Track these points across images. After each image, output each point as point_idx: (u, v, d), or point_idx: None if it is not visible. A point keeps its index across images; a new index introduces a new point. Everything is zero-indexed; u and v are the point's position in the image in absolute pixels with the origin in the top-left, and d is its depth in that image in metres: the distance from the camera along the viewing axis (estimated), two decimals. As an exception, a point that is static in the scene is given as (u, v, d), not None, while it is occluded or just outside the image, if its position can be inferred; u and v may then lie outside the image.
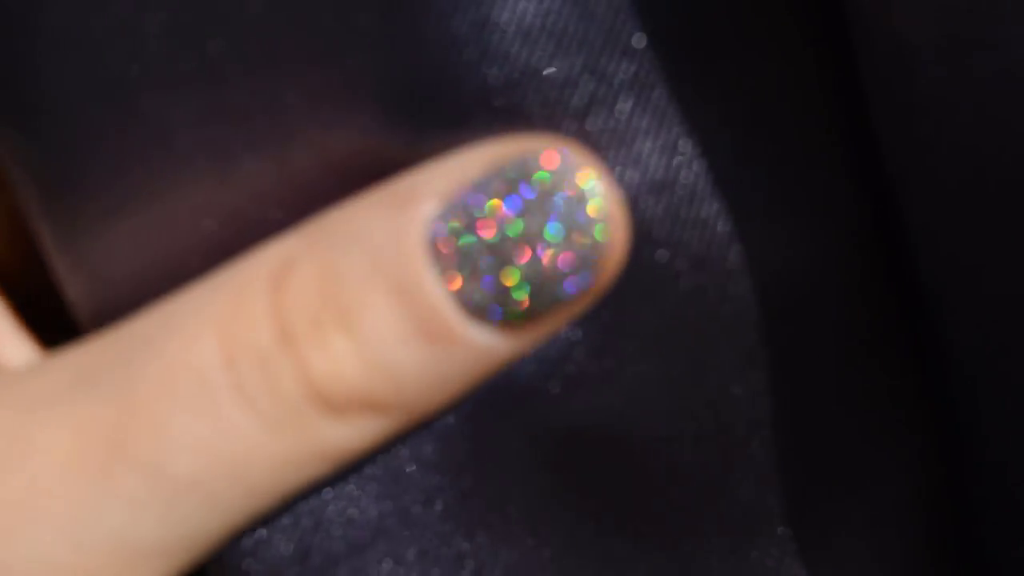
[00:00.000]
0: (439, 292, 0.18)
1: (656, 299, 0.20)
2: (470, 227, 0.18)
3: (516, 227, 0.18)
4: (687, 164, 0.20)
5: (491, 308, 0.18)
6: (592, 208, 0.18)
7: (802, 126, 0.21)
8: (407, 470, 0.21)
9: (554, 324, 0.19)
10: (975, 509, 0.23)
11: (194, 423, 0.19)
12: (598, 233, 0.18)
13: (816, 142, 0.21)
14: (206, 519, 0.19)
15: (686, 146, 0.20)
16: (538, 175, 0.18)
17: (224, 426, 0.19)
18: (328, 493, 0.21)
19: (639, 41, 0.19)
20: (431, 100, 0.19)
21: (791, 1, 0.21)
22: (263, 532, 0.21)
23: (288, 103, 0.20)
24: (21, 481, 0.19)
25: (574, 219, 0.18)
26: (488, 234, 0.18)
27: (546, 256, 0.18)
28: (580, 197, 0.18)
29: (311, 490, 0.21)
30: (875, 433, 0.22)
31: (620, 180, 0.19)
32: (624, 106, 0.19)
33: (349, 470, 0.21)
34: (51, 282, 0.23)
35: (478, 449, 0.21)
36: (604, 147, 0.19)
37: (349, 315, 0.18)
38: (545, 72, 0.19)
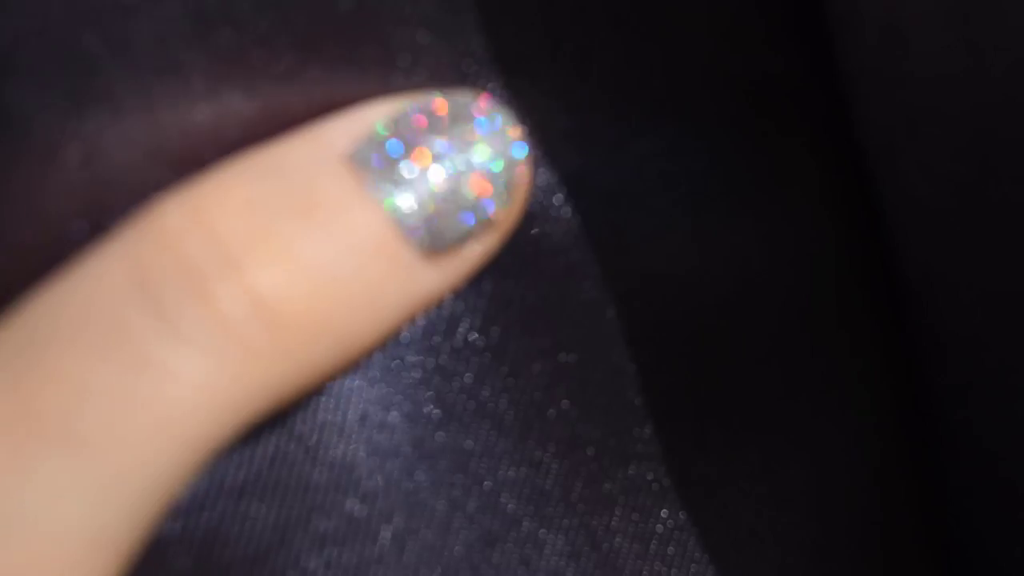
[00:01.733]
0: (374, 208, 0.18)
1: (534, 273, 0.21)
2: (394, 150, 0.19)
3: (440, 150, 0.19)
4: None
5: (417, 227, 0.19)
6: (510, 134, 0.19)
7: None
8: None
9: (475, 257, 0.19)
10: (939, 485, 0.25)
11: (116, 371, 0.16)
12: (512, 159, 0.19)
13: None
14: (142, 488, 0.16)
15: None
16: (455, 108, 0.19)
17: (151, 366, 0.16)
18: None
19: None
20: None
21: None
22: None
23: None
24: None
25: (492, 146, 0.19)
26: (412, 156, 0.19)
27: (468, 178, 0.19)
28: (496, 127, 0.19)
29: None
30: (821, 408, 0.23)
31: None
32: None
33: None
34: None
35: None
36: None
37: (286, 233, 0.18)
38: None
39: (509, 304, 0.22)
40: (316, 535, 0.21)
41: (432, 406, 0.22)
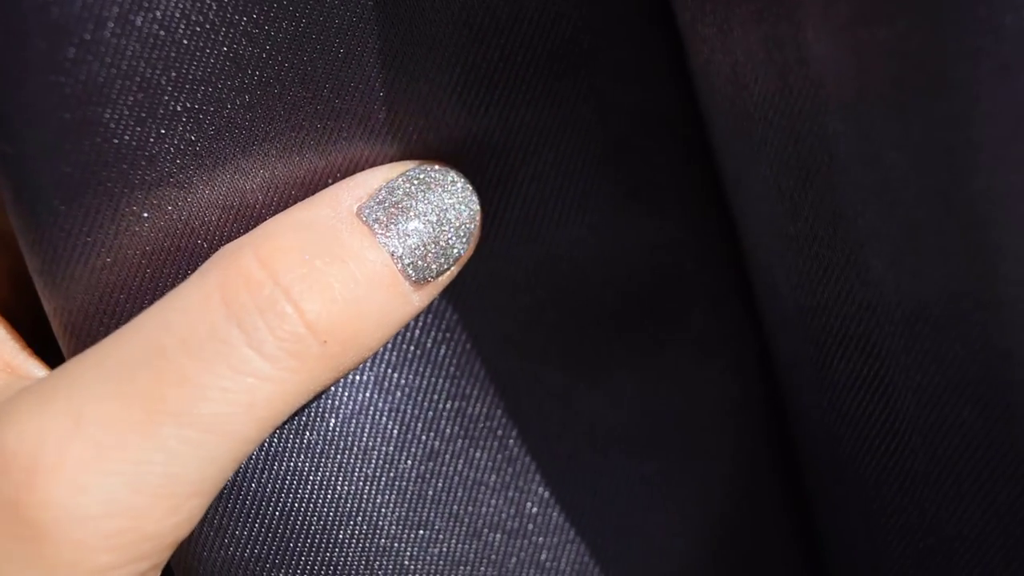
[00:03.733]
0: (383, 253, 0.25)
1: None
2: (394, 210, 0.26)
3: (427, 206, 0.26)
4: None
5: (410, 266, 0.26)
6: (470, 193, 0.27)
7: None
8: None
9: (444, 283, 0.27)
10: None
11: (216, 373, 0.23)
12: (472, 211, 0.27)
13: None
14: (227, 452, 0.23)
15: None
16: (431, 175, 0.26)
17: (240, 370, 0.23)
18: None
19: None
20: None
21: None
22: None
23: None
24: (87, 446, 0.22)
25: (459, 202, 0.26)
26: (406, 213, 0.26)
27: (447, 229, 0.26)
28: (459, 187, 0.26)
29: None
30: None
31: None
32: None
33: None
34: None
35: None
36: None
37: (326, 270, 0.24)
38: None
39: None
40: (303, 445, 0.27)
41: (390, 350, 0.28)
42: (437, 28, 0.26)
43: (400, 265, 0.25)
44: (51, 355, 0.27)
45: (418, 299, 0.26)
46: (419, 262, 0.25)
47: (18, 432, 0.23)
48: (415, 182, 0.26)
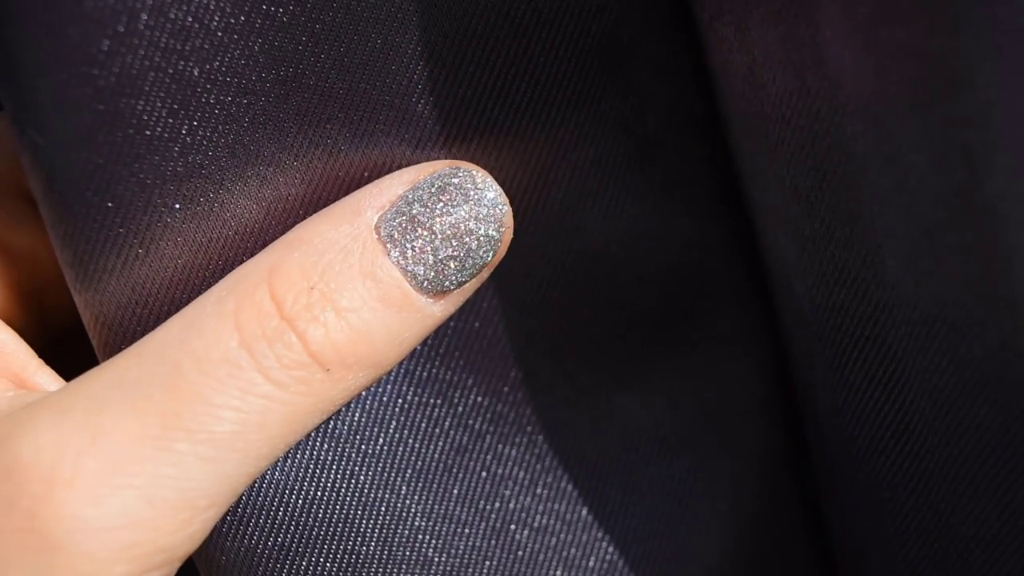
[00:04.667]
0: (395, 271, 0.25)
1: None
2: (410, 224, 0.25)
3: (445, 219, 0.25)
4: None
5: (427, 279, 0.25)
6: (496, 196, 0.26)
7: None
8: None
9: (471, 290, 0.26)
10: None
11: (228, 394, 0.23)
12: (499, 216, 0.26)
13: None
14: (240, 467, 0.24)
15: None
16: (453, 182, 0.26)
17: (251, 392, 0.24)
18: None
19: None
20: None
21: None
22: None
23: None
24: (103, 460, 0.23)
25: (482, 208, 0.26)
26: (423, 228, 0.25)
27: (468, 240, 0.25)
28: (486, 195, 0.26)
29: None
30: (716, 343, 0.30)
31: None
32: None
33: None
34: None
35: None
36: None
37: (331, 297, 0.24)
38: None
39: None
40: (327, 434, 0.27)
41: (421, 345, 0.28)
42: (477, 21, 0.26)
43: (414, 281, 0.25)
44: (60, 367, 0.27)
45: (440, 309, 0.26)
46: (437, 276, 0.25)
47: (35, 445, 0.23)
48: (438, 190, 0.25)
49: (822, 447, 0.30)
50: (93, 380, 0.24)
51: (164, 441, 0.23)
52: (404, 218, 0.25)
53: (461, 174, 0.26)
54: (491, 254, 0.26)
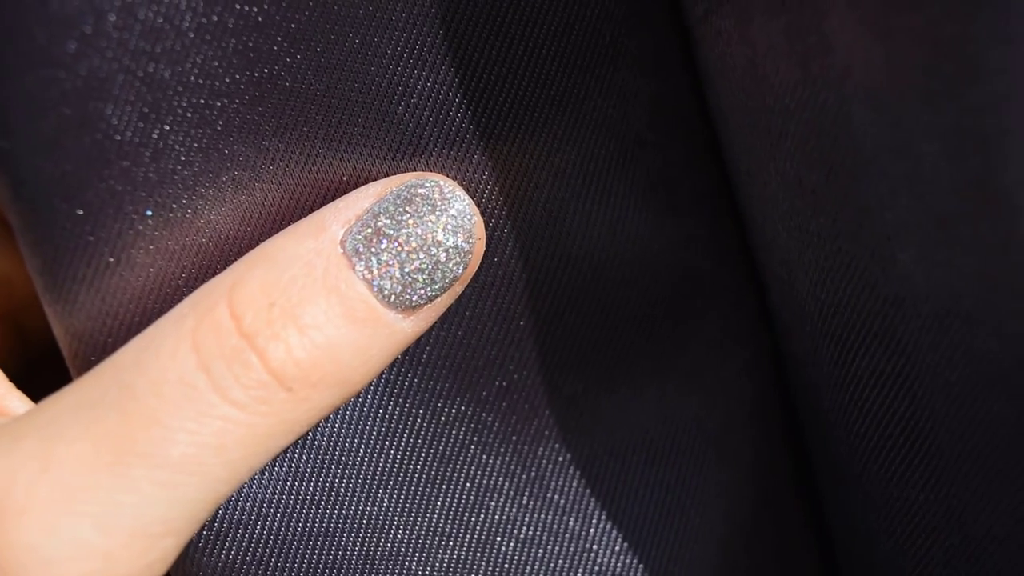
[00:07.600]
0: (360, 286, 0.24)
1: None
2: (375, 236, 0.24)
3: (411, 230, 0.24)
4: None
5: (396, 294, 0.24)
6: (466, 208, 0.25)
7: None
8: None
9: (443, 305, 0.25)
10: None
11: (184, 416, 0.22)
12: (470, 228, 0.25)
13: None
14: (199, 493, 0.23)
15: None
16: (419, 192, 0.25)
17: (208, 414, 0.23)
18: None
19: None
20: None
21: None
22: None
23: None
24: (55, 488, 0.22)
25: (451, 221, 0.25)
26: (389, 241, 0.24)
27: (436, 252, 0.24)
28: (453, 205, 0.25)
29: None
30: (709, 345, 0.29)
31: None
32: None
33: None
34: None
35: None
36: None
37: (293, 313, 0.23)
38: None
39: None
40: (305, 442, 0.26)
41: (401, 354, 0.27)
42: (458, 20, 0.25)
43: (381, 296, 0.24)
44: (34, 389, 0.26)
45: (411, 325, 0.25)
46: (405, 290, 0.24)
47: None
48: (404, 201, 0.25)
49: (825, 447, 0.30)
50: (50, 406, 0.23)
51: (119, 467, 0.22)
52: (370, 230, 0.24)
53: (428, 184, 0.25)
54: (462, 267, 0.25)
